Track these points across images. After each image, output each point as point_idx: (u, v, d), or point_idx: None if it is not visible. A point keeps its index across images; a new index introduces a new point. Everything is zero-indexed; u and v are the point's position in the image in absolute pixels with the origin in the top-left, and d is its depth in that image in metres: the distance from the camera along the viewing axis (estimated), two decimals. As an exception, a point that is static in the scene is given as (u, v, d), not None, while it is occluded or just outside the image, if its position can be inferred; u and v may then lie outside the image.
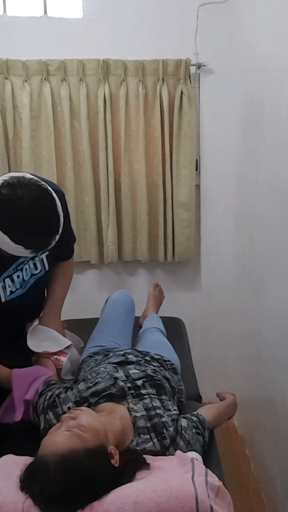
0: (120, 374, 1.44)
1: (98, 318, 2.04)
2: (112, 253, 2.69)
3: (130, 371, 1.46)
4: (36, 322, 1.67)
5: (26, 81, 2.47)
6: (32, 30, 2.52)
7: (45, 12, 2.56)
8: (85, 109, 2.52)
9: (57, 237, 1.26)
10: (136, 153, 2.61)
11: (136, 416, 1.29)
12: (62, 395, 1.38)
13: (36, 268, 1.55)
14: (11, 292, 1.50)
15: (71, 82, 2.52)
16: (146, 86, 2.54)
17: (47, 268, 1.57)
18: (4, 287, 1.47)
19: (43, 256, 1.54)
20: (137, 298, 2.19)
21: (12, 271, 1.47)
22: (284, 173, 1.75)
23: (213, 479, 1.09)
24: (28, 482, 1.05)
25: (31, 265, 1.52)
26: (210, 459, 1.30)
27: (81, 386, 1.40)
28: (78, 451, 1.07)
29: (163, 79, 2.53)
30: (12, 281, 1.48)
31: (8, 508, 1.01)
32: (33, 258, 1.52)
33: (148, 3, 2.56)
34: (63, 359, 1.61)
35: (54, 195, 1.24)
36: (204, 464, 1.19)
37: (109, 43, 2.55)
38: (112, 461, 1.12)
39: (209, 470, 1.12)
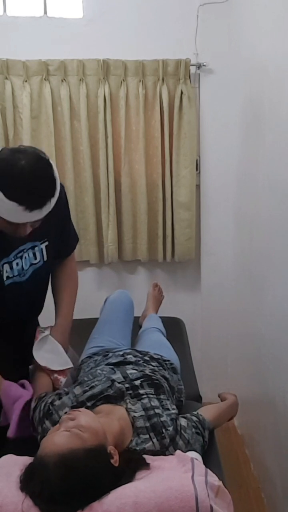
0: (118, 375, 1.43)
1: (97, 318, 2.04)
2: (112, 253, 2.69)
3: (128, 372, 1.46)
4: (47, 332, 1.64)
5: (26, 81, 2.47)
6: (32, 30, 2.52)
7: (45, 12, 2.56)
8: (85, 109, 2.53)
9: (53, 201, 1.27)
10: (136, 153, 2.61)
11: (134, 416, 1.29)
12: (56, 402, 1.36)
13: (36, 258, 1.55)
14: (8, 278, 1.50)
15: (71, 82, 2.52)
16: (146, 86, 2.54)
17: (45, 258, 1.58)
18: (0, 272, 1.48)
19: (43, 246, 1.55)
20: (137, 298, 2.19)
21: (12, 258, 1.48)
22: (284, 173, 1.74)
23: (213, 479, 1.09)
24: (28, 482, 1.05)
25: (31, 255, 1.53)
26: (210, 459, 1.30)
27: (77, 390, 1.38)
28: (77, 451, 1.07)
29: (163, 79, 2.53)
30: (11, 268, 1.49)
31: (8, 508, 1.01)
32: (33, 248, 1.53)
33: (148, 3, 2.57)
34: (62, 380, 1.58)
35: (53, 164, 1.28)
36: (204, 464, 1.19)
37: (109, 43, 2.55)
38: (112, 461, 1.12)
39: (209, 470, 1.12)
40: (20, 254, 1.50)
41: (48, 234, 1.55)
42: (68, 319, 1.71)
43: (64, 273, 1.74)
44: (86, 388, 1.38)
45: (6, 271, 1.48)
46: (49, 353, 1.59)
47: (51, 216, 1.41)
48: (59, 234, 1.62)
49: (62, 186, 1.54)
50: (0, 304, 1.53)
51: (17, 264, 1.50)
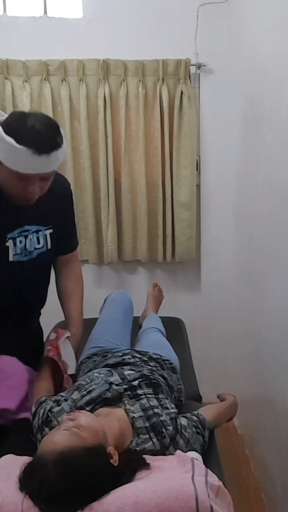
0: (115, 377, 1.42)
1: (97, 318, 2.04)
2: (112, 253, 2.69)
3: (125, 373, 1.45)
4: (68, 334, 1.67)
5: (26, 81, 2.47)
6: (32, 30, 2.52)
7: (45, 12, 2.57)
8: (85, 109, 2.53)
9: (60, 154, 1.38)
10: (136, 153, 2.61)
11: (133, 417, 1.29)
12: (55, 409, 1.35)
13: (39, 243, 1.59)
14: (12, 255, 1.54)
15: (71, 82, 2.52)
16: (146, 86, 2.54)
17: (49, 246, 1.63)
18: (6, 246, 1.53)
19: (47, 232, 1.60)
20: (137, 298, 2.19)
21: (16, 235, 1.52)
22: (284, 173, 1.75)
23: (213, 479, 1.09)
24: (27, 481, 1.05)
25: (35, 238, 1.58)
26: (210, 459, 1.30)
27: (75, 395, 1.37)
28: (76, 449, 1.06)
29: (163, 79, 2.53)
30: (15, 244, 1.53)
31: (7, 508, 1.01)
32: (37, 232, 1.57)
33: (148, 3, 2.56)
34: (71, 383, 1.60)
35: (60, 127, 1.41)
36: (204, 464, 1.19)
37: (109, 43, 2.55)
38: (111, 461, 1.11)
39: (209, 470, 1.12)
40: (25, 234, 1.54)
41: (53, 221, 1.61)
42: (81, 329, 1.78)
43: (73, 278, 1.80)
44: (84, 392, 1.37)
45: (10, 248, 1.52)
46: (67, 357, 1.62)
47: (57, 200, 1.55)
48: (62, 227, 1.66)
49: (69, 184, 1.69)
50: (2, 284, 1.55)
51: (21, 242, 1.54)
